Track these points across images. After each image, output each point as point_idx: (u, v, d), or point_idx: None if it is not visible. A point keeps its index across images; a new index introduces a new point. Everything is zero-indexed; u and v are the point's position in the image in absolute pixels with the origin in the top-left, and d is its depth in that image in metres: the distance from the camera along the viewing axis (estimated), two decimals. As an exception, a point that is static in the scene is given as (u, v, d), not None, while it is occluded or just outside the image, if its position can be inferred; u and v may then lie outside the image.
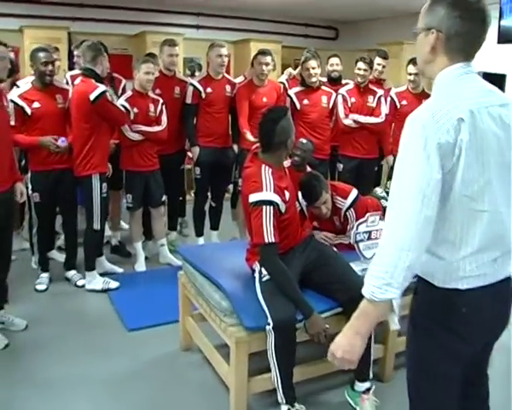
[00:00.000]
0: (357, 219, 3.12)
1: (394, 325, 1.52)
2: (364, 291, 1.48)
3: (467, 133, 1.42)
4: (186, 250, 3.43)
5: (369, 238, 2.97)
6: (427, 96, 4.98)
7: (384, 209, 3.60)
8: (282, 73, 5.89)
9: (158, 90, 4.67)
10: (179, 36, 6.51)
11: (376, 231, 2.99)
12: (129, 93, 4.42)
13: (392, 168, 5.17)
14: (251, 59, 6.65)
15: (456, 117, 1.41)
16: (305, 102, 4.87)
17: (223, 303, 2.62)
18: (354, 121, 4.90)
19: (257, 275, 2.71)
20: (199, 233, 5.07)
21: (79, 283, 4.24)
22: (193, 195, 5.35)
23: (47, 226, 4.25)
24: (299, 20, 7.85)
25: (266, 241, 2.53)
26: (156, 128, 4.42)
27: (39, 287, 4.14)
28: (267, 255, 2.59)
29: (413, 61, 4.93)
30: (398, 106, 5.07)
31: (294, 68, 5.65)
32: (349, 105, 4.94)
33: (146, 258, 4.74)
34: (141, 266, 4.64)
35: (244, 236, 5.03)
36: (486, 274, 1.52)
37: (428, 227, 1.42)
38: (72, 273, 4.31)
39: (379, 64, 5.20)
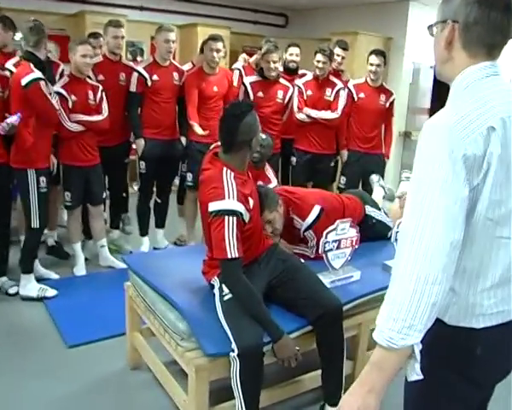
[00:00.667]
0: (317, 241, 2.84)
1: (416, 374, 1.27)
2: (378, 337, 1.23)
3: (498, 145, 1.19)
4: (133, 260, 3.07)
5: (338, 247, 2.76)
6: (386, 90, 4.94)
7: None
8: (231, 60, 5.60)
9: (101, 76, 4.26)
10: (122, 17, 6.05)
11: (346, 239, 2.78)
12: (65, 79, 3.97)
13: (346, 163, 4.99)
14: (198, 44, 6.37)
15: (485, 125, 1.18)
16: (260, 94, 4.59)
17: (179, 325, 2.31)
18: (307, 116, 4.67)
19: (217, 292, 2.43)
20: (143, 232, 4.72)
21: (11, 291, 3.80)
22: (136, 189, 4.99)
23: None
24: (248, 5, 7.52)
25: (229, 256, 2.24)
26: (97, 117, 4.02)
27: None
28: (230, 272, 2.30)
29: (376, 52, 4.77)
30: (356, 98, 4.86)
31: (243, 51, 5.40)
32: (304, 98, 4.70)
33: (86, 259, 4.35)
34: (80, 269, 4.23)
35: (191, 234, 4.75)
36: (505, 311, 1.31)
37: (455, 254, 1.19)
38: (2, 280, 3.86)
39: (338, 55, 4.98)
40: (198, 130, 4.24)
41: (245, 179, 2.47)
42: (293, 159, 4.90)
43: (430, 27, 1.37)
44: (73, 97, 3.88)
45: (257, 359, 2.19)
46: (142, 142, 4.40)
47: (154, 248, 4.79)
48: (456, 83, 1.30)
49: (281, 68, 4.88)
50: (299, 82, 4.75)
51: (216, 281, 2.46)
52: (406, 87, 6.63)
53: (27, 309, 3.66)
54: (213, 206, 2.28)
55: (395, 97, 4.98)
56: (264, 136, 3.54)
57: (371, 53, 4.79)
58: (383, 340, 1.21)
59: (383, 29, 6.55)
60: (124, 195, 4.92)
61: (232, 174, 2.34)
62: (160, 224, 4.83)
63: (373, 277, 2.92)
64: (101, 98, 4.08)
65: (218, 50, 4.38)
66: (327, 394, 2.53)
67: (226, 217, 2.25)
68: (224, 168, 2.35)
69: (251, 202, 2.44)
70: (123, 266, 4.26)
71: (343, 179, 5.02)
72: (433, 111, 7.03)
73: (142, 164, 4.51)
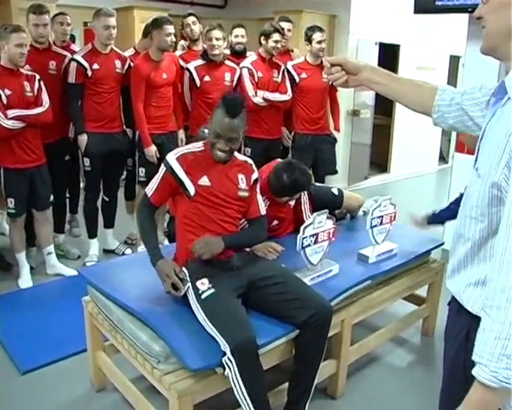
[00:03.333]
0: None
1: None
2: (480, 374, 1.04)
3: None
4: (92, 272, 2.76)
5: (315, 242, 2.58)
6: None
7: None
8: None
9: (27, 67, 3.80)
10: (50, 2, 5.59)
11: (323, 232, 2.60)
12: None
13: (295, 147, 4.74)
14: (135, 28, 6.05)
15: None
16: (206, 78, 4.31)
17: (154, 347, 2.06)
18: (264, 99, 4.44)
19: (192, 294, 2.22)
20: (92, 234, 4.38)
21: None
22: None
23: None
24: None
25: (146, 192, 2.47)
26: (38, 110, 3.61)
27: None
28: (140, 203, 2.54)
29: (319, 28, 4.57)
30: (298, 79, 4.60)
31: (181, 38, 5.10)
32: (256, 80, 4.45)
33: (31, 269, 3.98)
34: (26, 281, 3.85)
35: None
36: None
37: None
38: None
39: (289, 30, 4.77)
40: (152, 154, 4.09)
41: (216, 165, 2.41)
42: (247, 149, 4.57)
43: None
44: (7, 91, 3.47)
45: (253, 351, 2.01)
46: (84, 137, 4.04)
47: (104, 250, 4.48)
48: None
49: (227, 51, 4.64)
50: (246, 63, 4.48)
51: (185, 276, 2.27)
52: (352, 64, 6.51)
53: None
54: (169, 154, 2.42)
55: None
56: (206, 130, 3.21)
57: (314, 30, 4.55)
58: (486, 376, 1.03)
59: (327, 7, 6.39)
60: (67, 195, 4.55)
61: (201, 148, 2.43)
62: (110, 224, 4.51)
63: (351, 269, 2.81)
64: (40, 88, 3.68)
65: (169, 34, 4.05)
66: (292, 400, 2.36)
67: (164, 167, 2.40)
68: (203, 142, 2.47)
69: (206, 181, 2.37)
70: (73, 272, 3.97)
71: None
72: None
73: (87, 161, 4.14)
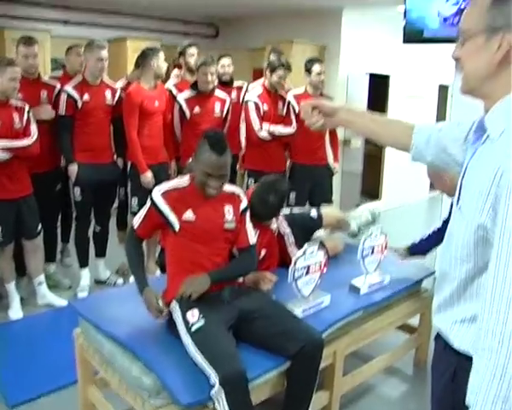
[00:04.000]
0: None
1: None
2: None
3: None
4: (83, 305, 2.76)
5: (307, 273, 2.59)
6: (327, 98, 4.67)
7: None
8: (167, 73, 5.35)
9: (19, 96, 3.82)
10: (46, 33, 5.68)
11: (315, 263, 2.61)
12: None
13: (293, 178, 4.77)
14: (128, 59, 6.11)
15: None
16: (197, 110, 4.31)
17: (145, 380, 2.05)
18: (269, 133, 4.46)
19: (182, 327, 2.22)
20: (83, 264, 4.34)
21: None
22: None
23: None
24: (178, 16, 7.25)
25: (133, 224, 2.51)
26: (25, 141, 3.61)
27: None
28: (127, 235, 2.59)
29: (319, 60, 4.63)
30: (297, 109, 4.56)
31: (174, 67, 5.12)
32: (261, 113, 4.45)
33: (21, 299, 3.94)
34: (16, 312, 3.82)
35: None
36: None
37: None
38: None
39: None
40: (148, 180, 4.12)
41: (198, 196, 2.41)
42: (251, 180, 4.57)
43: (463, 32, 1.18)
44: None
45: (242, 385, 2.00)
46: (75, 167, 4.05)
47: (95, 281, 4.46)
48: (505, 104, 1.14)
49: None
50: (252, 96, 4.50)
51: (177, 313, 2.28)
52: (343, 95, 6.59)
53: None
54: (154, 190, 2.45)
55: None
56: None
57: (313, 62, 4.60)
58: None
59: (318, 37, 6.49)
60: (58, 224, 4.54)
61: (187, 183, 2.45)
62: (101, 253, 4.49)
63: (343, 299, 2.81)
64: (29, 120, 3.69)
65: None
66: None
67: (149, 203, 2.43)
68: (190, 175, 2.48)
69: (190, 214, 2.37)
70: (63, 303, 3.94)
71: (292, 194, 4.70)
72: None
73: (77, 191, 4.14)
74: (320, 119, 1.61)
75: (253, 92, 4.54)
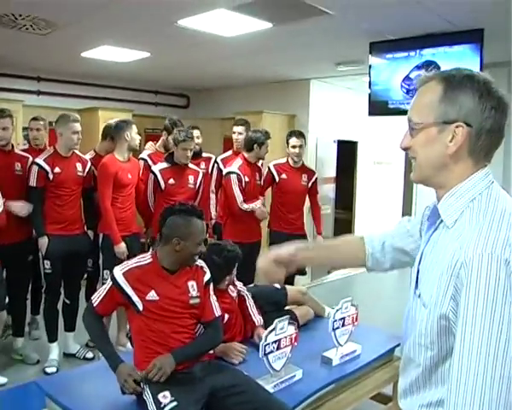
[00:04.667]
0: None
1: None
2: None
3: None
4: (49, 384, 2.65)
5: (278, 348, 2.57)
6: (308, 170, 4.84)
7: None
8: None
9: None
10: (18, 102, 5.73)
11: (285, 337, 2.60)
12: None
13: (271, 245, 4.80)
14: (99, 129, 6.15)
15: None
16: (171, 181, 4.34)
17: None
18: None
19: (153, 407, 2.17)
20: (52, 338, 4.21)
21: None
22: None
23: None
24: (149, 87, 7.43)
25: (92, 300, 2.47)
26: None
27: None
28: (86, 311, 2.52)
29: (296, 134, 4.78)
30: (277, 179, 4.79)
31: (147, 139, 5.24)
32: (243, 186, 4.50)
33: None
34: None
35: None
36: None
37: None
38: None
39: (240, 133, 5.00)
40: (123, 251, 4.11)
41: (161, 275, 2.41)
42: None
43: (414, 124, 1.20)
44: None
45: None
46: (45, 239, 4.00)
47: (65, 354, 4.32)
48: (458, 193, 1.16)
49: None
50: (234, 168, 4.55)
51: (147, 392, 2.23)
52: (313, 161, 6.74)
53: None
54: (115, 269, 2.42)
55: (317, 176, 5.00)
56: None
57: (291, 135, 4.77)
58: None
59: (286, 107, 6.70)
60: (27, 297, 4.44)
61: (148, 261, 2.44)
62: (70, 327, 4.37)
63: (314, 372, 2.79)
64: None
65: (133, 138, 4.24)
66: None
67: (110, 279, 2.41)
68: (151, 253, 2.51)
69: (153, 295, 2.35)
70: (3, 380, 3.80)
71: None
72: (338, 179, 7.26)
73: (47, 263, 4.07)
74: (281, 271, 1.59)
75: (235, 164, 4.58)
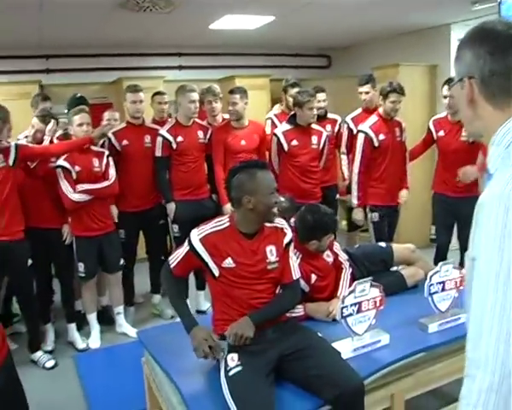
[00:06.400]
0: None
1: None
2: None
3: None
4: (147, 335, 2.91)
5: (359, 311, 2.48)
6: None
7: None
8: (272, 109, 5.52)
9: (125, 142, 4.29)
10: (159, 79, 6.19)
11: (368, 300, 2.50)
12: None
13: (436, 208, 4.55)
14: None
15: None
16: (294, 142, 4.39)
17: (179, 410, 2.14)
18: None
19: (222, 367, 2.24)
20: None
21: (48, 364, 3.80)
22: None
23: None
24: (288, 50, 7.43)
25: (169, 260, 2.52)
26: (103, 184, 3.96)
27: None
28: (163, 271, 2.55)
29: (448, 81, 4.23)
30: (435, 137, 4.39)
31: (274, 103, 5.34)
32: (376, 145, 4.32)
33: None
34: (95, 341, 4.16)
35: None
36: None
37: None
38: (38, 355, 3.86)
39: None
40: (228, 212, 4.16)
41: (237, 238, 2.37)
42: (375, 214, 4.45)
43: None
44: (77, 168, 3.86)
45: None
46: (172, 205, 4.35)
47: (197, 311, 4.65)
48: (497, 141, 1.15)
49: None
50: (365, 127, 4.35)
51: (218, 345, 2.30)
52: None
53: (62, 382, 3.61)
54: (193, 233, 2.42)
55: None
56: (282, 198, 3.25)
57: (444, 83, 4.32)
58: None
59: (426, 57, 6.23)
60: (162, 258, 4.85)
61: (226, 225, 2.39)
62: (201, 285, 4.70)
63: (404, 339, 2.61)
64: (108, 164, 4.04)
65: (234, 103, 4.32)
66: None
67: (187, 246, 2.41)
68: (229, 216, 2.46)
69: (229, 261, 2.33)
70: (134, 335, 4.08)
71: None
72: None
73: (176, 227, 4.42)
74: None
75: (368, 122, 4.40)
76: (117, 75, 6.27)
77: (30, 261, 3.71)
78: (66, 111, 4.43)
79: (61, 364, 3.86)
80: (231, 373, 2.17)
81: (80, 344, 4.08)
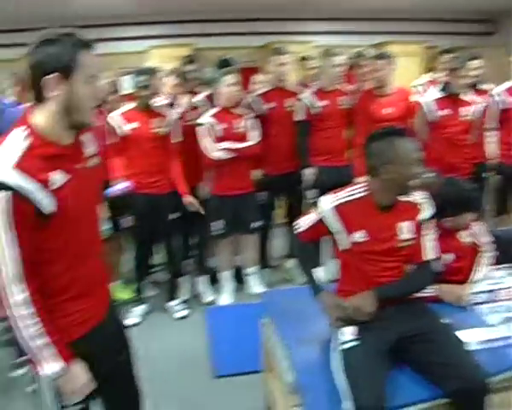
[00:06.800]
0: None
1: None
2: None
3: None
4: (269, 297, 2.97)
5: (494, 300, 2.28)
6: None
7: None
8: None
9: (270, 104, 4.34)
10: (308, 44, 6.14)
11: (506, 289, 2.28)
12: (214, 109, 4.07)
13: None
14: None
15: None
16: (443, 112, 4.09)
17: (287, 376, 2.15)
18: None
19: (334, 340, 2.20)
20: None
21: (179, 314, 4.07)
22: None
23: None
24: (445, 15, 6.92)
25: (298, 229, 2.44)
26: (246, 143, 4.03)
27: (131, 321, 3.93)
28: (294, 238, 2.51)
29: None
30: None
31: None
32: None
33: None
34: (226, 298, 4.30)
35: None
36: None
37: None
38: (171, 304, 4.14)
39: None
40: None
41: (376, 215, 2.25)
42: None
43: None
44: (221, 126, 3.97)
45: None
46: (310, 170, 4.31)
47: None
48: None
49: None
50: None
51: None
52: None
53: (191, 333, 3.84)
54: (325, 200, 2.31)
55: None
56: (427, 174, 3.04)
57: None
58: None
59: None
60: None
61: (363, 194, 2.27)
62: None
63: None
64: (250, 126, 4.09)
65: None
66: None
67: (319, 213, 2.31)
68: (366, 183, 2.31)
69: (361, 237, 2.23)
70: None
71: None
72: None
73: (315, 193, 4.37)
74: None
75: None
76: (266, 39, 6.33)
77: (174, 215, 3.95)
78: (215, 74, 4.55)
79: (192, 315, 4.12)
80: (346, 346, 2.12)
81: (207, 298, 4.30)
